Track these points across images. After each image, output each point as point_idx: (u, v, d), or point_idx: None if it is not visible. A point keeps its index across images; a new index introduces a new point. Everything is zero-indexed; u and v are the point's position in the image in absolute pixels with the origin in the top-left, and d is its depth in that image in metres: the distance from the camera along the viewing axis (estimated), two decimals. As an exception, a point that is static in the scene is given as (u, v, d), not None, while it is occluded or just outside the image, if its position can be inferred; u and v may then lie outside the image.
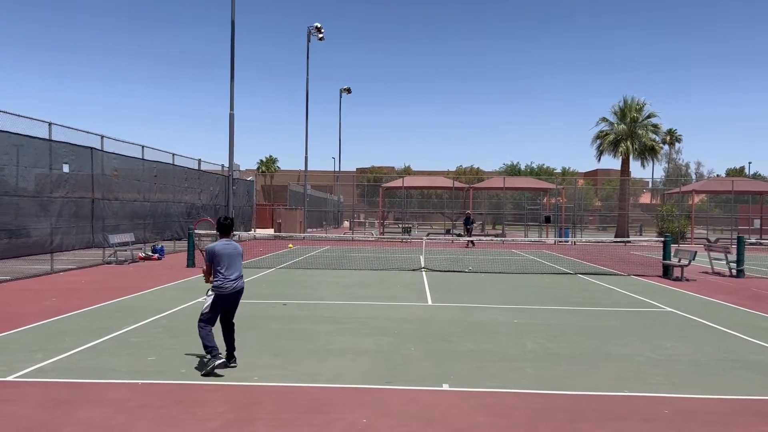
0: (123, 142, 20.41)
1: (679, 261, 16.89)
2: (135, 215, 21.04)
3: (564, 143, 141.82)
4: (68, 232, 16.70)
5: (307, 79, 42.99)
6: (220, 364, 6.54)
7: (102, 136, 18.80)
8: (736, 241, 18.30)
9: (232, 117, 28.18)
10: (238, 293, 6.98)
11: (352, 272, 17.18)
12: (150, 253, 20.13)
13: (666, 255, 17.72)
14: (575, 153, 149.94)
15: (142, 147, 21.81)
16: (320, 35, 40.69)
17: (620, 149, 39.29)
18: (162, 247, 20.89)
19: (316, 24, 40.40)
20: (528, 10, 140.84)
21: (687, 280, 16.30)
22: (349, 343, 8.22)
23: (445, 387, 6.29)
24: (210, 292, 6.89)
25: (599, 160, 41.88)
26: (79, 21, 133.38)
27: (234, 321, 7.08)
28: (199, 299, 10.96)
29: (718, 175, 74.64)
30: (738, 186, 40.88)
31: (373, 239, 35.32)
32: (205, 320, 6.80)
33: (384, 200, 44.97)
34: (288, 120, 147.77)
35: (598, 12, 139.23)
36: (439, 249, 27.84)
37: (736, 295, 13.68)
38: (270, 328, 9.18)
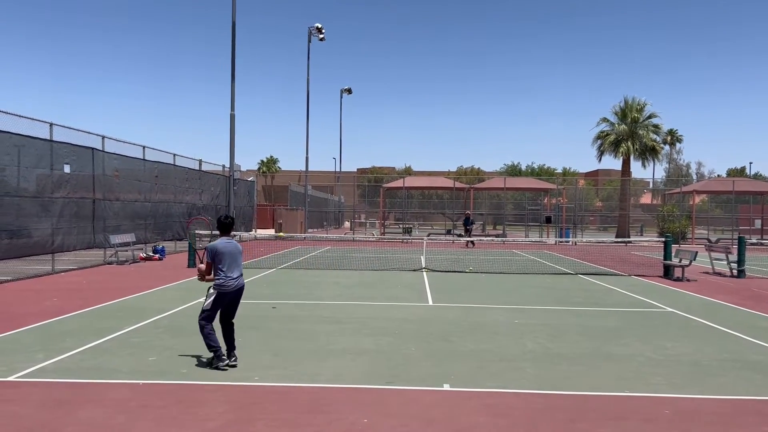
0: (124, 142, 20.45)
1: (680, 261, 16.89)
2: (136, 216, 21.06)
3: (565, 143, 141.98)
4: (69, 233, 16.72)
5: (308, 79, 43.08)
6: (223, 366, 6.73)
7: (103, 137, 18.83)
8: (737, 241, 18.28)
9: (233, 117, 28.21)
10: (239, 291, 7.05)
11: (352, 272, 17.19)
12: (151, 254, 20.14)
13: (667, 255, 17.71)
14: (576, 153, 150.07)
15: (143, 147, 21.84)
16: (321, 36, 40.73)
17: (621, 149, 39.29)
18: (163, 247, 20.91)
19: (316, 24, 40.47)
20: (528, 10, 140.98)
21: (688, 280, 16.29)
22: (349, 343, 8.22)
23: (446, 387, 6.29)
24: (211, 291, 6.94)
25: (600, 160, 41.95)
26: (79, 21, 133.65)
27: (233, 321, 7.11)
28: (200, 299, 10.96)
29: (718, 176, 74.67)
30: (739, 186, 40.86)
31: (373, 239, 35.32)
32: (206, 318, 6.87)
33: (385, 200, 44.99)
34: (289, 120, 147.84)
35: (598, 12, 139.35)
36: (439, 249, 27.84)
37: (736, 295, 13.68)
38: (270, 328, 9.18)
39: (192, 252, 17.39)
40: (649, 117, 40.57)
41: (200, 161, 27.72)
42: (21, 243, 14.69)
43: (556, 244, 33.91)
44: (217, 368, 6.71)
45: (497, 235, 37.20)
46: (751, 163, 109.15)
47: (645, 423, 5.34)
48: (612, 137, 39.97)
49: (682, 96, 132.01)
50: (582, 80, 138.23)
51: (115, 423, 5.12)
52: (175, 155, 24.60)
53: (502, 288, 14.35)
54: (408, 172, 75.36)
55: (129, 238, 19.42)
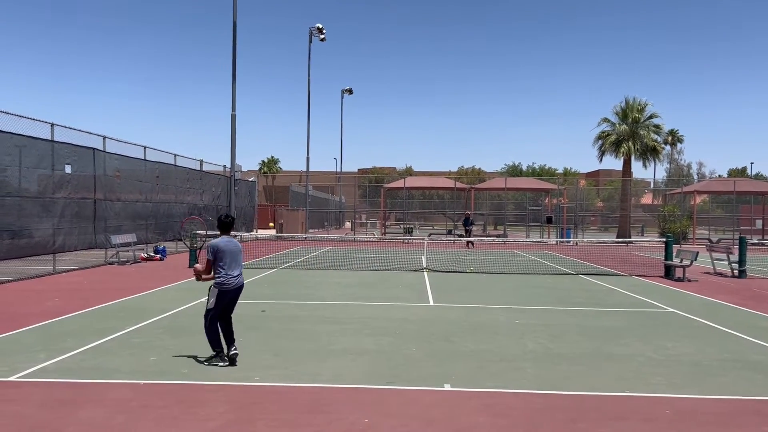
0: (125, 142, 20.44)
1: (681, 261, 16.88)
2: (137, 216, 21.07)
3: (565, 143, 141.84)
4: (70, 233, 16.73)
5: (309, 79, 43.16)
6: (223, 366, 6.84)
7: (104, 137, 18.83)
8: (738, 241, 18.28)
9: (233, 118, 28.21)
10: (239, 290, 7.15)
11: (353, 273, 17.20)
12: (152, 254, 20.17)
13: (668, 255, 17.71)
14: (577, 153, 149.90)
15: (144, 148, 21.84)
16: (322, 36, 40.73)
17: (622, 150, 39.28)
18: (164, 247, 20.93)
19: (317, 25, 40.45)
20: (528, 11, 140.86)
21: (689, 280, 16.29)
22: (350, 343, 8.23)
23: (447, 387, 6.30)
24: (213, 290, 7.00)
25: (601, 160, 41.94)
26: (80, 22, 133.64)
27: (231, 317, 7.20)
28: (201, 300, 10.99)
29: (719, 176, 74.66)
30: (740, 186, 40.83)
31: (374, 240, 35.33)
32: (211, 318, 6.98)
33: (385, 201, 45.00)
34: (290, 121, 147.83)
35: (599, 12, 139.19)
36: (440, 250, 27.84)
37: (737, 295, 13.68)
38: (271, 328, 9.19)
39: (193, 252, 17.39)
40: (650, 117, 40.56)
41: (201, 161, 27.72)
42: (22, 243, 14.69)
43: (557, 244, 33.90)
44: (215, 365, 6.83)
45: (498, 236, 37.19)
46: (752, 163, 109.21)
47: (645, 423, 5.34)
48: (613, 137, 39.96)
49: (683, 96, 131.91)
50: (583, 80, 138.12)
51: (115, 423, 5.13)
52: (176, 155, 24.60)
53: (503, 288, 14.35)
54: (409, 172, 75.34)
55: (130, 238, 19.43)
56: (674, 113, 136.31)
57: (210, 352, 7.07)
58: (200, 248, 7.45)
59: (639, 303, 12.40)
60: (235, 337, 7.08)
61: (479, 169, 79.65)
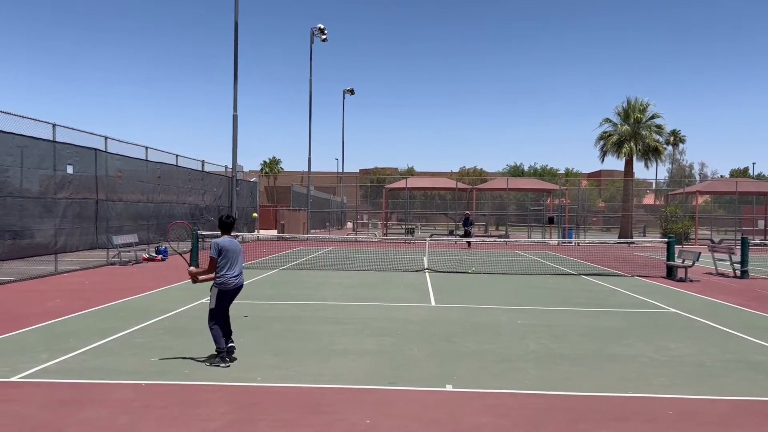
0: (127, 143, 20.47)
1: (683, 262, 16.86)
2: (139, 216, 21.09)
3: (567, 144, 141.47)
4: (72, 233, 16.75)
5: (310, 80, 43.18)
6: (225, 367, 6.86)
7: (106, 138, 18.85)
8: (740, 241, 18.24)
9: (235, 118, 28.26)
10: (239, 289, 7.24)
11: (355, 273, 17.19)
12: (153, 254, 20.18)
13: (670, 256, 17.68)
14: (578, 154, 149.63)
15: (146, 148, 21.86)
16: (323, 36, 40.75)
17: (624, 150, 39.24)
18: (165, 248, 20.94)
19: (319, 25, 40.47)
20: (529, 11, 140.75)
21: (691, 281, 16.26)
22: (351, 343, 8.23)
23: (448, 388, 6.29)
24: (214, 289, 7.05)
25: (603, 160, 41.90)
26: (81, 23, 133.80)
27: (230, 312, 7.30)
28: (202, 300, 11.00)
29: (721, 176, 74.57)
30: (742, 187, 40.75)
31: (376, 240, 35.33)
32: (215, 318, 7.04)
33: (387, 201, 44.98)
34: (291, 121, 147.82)
35: (600, 12, 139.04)
36: (442, 250, 27.83)
37: (739, 296, 13.65)
38: (272, 328, 9.19)
39: (196, 253, 17.38)
40: (652, 117, 40.51)
41: (203, 162, 27.75)
42: (24, 244, 14.71)
43: (558, 244, 33.87)
44: (217, 366, 6.85)
45: (500, 236, 37.17)
46: (754, 163, 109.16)
47: (647, 424, 5.33)
48: (615, 138, 39.92)
49: (685, 96, 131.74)
50: (584, 81, 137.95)
51: (117, 423, 5.14)
52: (177, 156, 24.62)
53: (505, 288, 14.34)
54: (410, 172, 75.32)
55: (132, 238, 19.45)
56: (676, 113, 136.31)
57: (211, 352, 7.10)
58: (185, 253, 7.49)
59: (641, 303, 12.38)
60: (233, 338, 7.20)
61: (481, 169, 79.61)
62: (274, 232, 37.08)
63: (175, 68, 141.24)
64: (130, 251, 19.13)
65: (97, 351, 7.59)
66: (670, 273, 17.14)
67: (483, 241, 32.08)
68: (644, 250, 30.86)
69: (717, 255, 18.99)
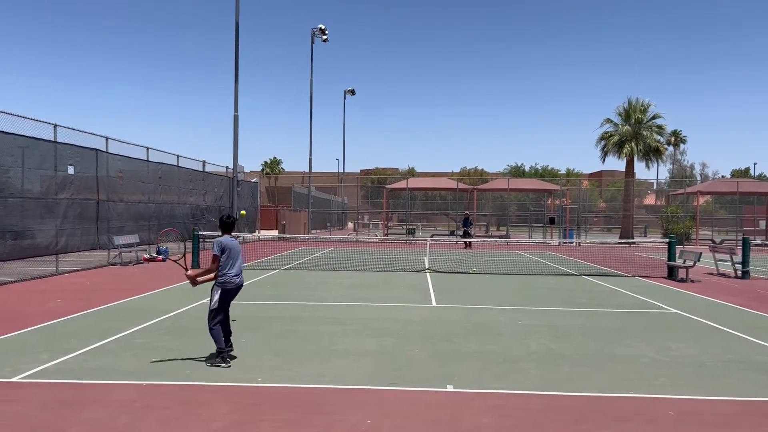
0: (128, 143, 20.47)
1: (684, 262, 16.84)
2: (140, 217, 21.09)
3: (568, 144, 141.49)
4: (73, 234, 16.75)
5: (311, 80, 43.15)
6: (226, 367, 6.87)
7: (107, 138, 18.85)
8: (741, 242, 18.23)
9: (236, 119, 28.27)
10: (239, 288, 7.28)
11: (356, 273, 17.19)
12: (154, 255, 20.19)
13: (671, 256, 17.67)
14: (579, 154, 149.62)
15: (147, 149, 21.86)
16: (324, 37, 40.77)
17: (625, 150, 39.22)
18: (166, 248, 20.93)
19: (320, 26, 40.49)
20: (530, 12, 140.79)
21: (692, 281, 16.25)
22: (352, 344, 8.22)
23: (449, 388, 6.29)
24: (215, 289, 7.04)
25: (604, 161, 41.91)
26: (82, 23, 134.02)
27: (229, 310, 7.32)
28: (203, 301, 10.99)
29: (723, 176, 74.51)
30: (743, 187, 40.71)
31: (377, 241, 35.32)
32: (217, 318, 7.05)
33: (388, 202, 44.97)
34: (292, 122, 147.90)
35: (600, 13, 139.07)
36: (443, 250, 27.82)
37: (741, 296, 13.64)
38: (273, 329, 9.19)
39: (197, 253, 17.40)
40: (653, 118, 40.49)
41: (204, 162, 27.75)
42: (25, 244, 14.72)
43: (559, 245, 33.85)
44: (218, 366, 6.86)
45: (501, 236, 37.16)
46: (755, 163, 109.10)
47: (648, 424, 5.32)
48: (616, 138, 39.91)
49: (685, 97, 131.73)
50: (584, 81, 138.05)
51: (118, 424, 5.13)
52: (178, 156, 24.62)
53: (506, 289, 14.34)
54: (411, 173, 75.30)
55: (132, 239, 19.46)
56: (677, 114, 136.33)
57: (211, 353, 7.10)
58: (174, 257, 7.49)
59: (642, 304, 12.37)
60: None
61: (482, 169, 79.63)
62: (275, 233, 37.10)
63: (176, 69, 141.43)
64: (131, 252, 19.14)
65: (98, 351, 7.59)
66: (671, 273, 17.12)
67: (484, 241, 32.06)
68: (645, 251, 30.85)
69: (718, 255, 18.97)
